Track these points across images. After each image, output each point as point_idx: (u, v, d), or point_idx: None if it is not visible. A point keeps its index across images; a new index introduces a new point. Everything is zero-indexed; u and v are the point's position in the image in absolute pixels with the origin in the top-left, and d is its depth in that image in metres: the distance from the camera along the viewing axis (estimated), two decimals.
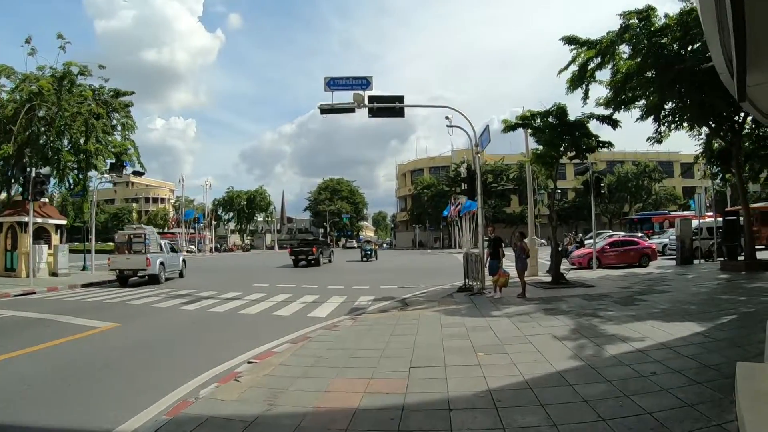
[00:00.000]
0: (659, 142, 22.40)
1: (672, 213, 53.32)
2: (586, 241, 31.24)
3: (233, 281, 24.25)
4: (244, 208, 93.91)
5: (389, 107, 18.57)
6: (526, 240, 20.06)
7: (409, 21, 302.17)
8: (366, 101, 17.86)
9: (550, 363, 7.26)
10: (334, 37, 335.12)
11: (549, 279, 18.32)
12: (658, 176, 78.49)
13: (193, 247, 73.15)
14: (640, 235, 39.83)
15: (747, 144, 22.52)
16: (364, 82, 18.16)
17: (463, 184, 19.69)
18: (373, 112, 18.40)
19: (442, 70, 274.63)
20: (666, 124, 21.98)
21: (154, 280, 22.67)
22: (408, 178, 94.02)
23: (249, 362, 7.89)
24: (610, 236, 33.68)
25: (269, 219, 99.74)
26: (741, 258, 22.16)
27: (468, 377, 6.75)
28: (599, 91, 23.59)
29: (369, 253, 43.28)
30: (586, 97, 20.59)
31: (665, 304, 12.48)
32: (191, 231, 76.57)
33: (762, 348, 6.96)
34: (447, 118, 19.94)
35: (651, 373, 6.56)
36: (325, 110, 18.29)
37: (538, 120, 18.30)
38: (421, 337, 9.37)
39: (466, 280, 17.41)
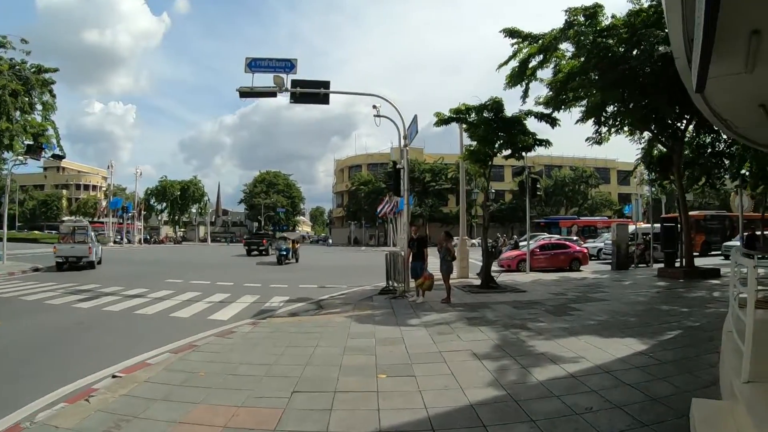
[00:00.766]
0: (599, 143, 21.97)
1: (582, 218, 53.99)
2: (521, 243, 30.40)
3: (147, 276, 22.55)
4: (177, 199, 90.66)
5: (313, 93, 17.63)
6: (456, 240, 18.87)
7: (359, 18, 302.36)
8: (288, 85, 16.83)
9: (463, 391, 5.95)
10: (283, 30, 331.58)
11: (480, 282, 17.13)
12: (595, 182, 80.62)
13: (120, 237, 68.98)
14: (575, 238, 39.76)
15: (687, 152, 22.39)
16: (288, 65, 17.14)
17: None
18: (296, 98, 17.49)
19: (389, 70, 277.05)
20: (607, 126, 21.66)
21: (91, 266, 25.59)
22: (346, 174, 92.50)
23: (114, 376, 6.85)
24: (544, 239, 32.97)
25: (203, 211, 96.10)
26: (678, 264, 22.13)
27: (357, 410, 5.42)
28: (540, 90, 22.97)
29: (285, 253, 32.49)
30: (525, 95, 20.23)
31: (602, 314, 11.43)
32: (119, 221, 72.33)
33: (714, 373, 6.29)
34: (375, 107, 18.73)
35: (586, 410, 5.31)
36: (244, 93, 16.95)
37: (473, 115, 17.24)
38: (321, 350, 8.17)
39: (389, 282, 16.12)
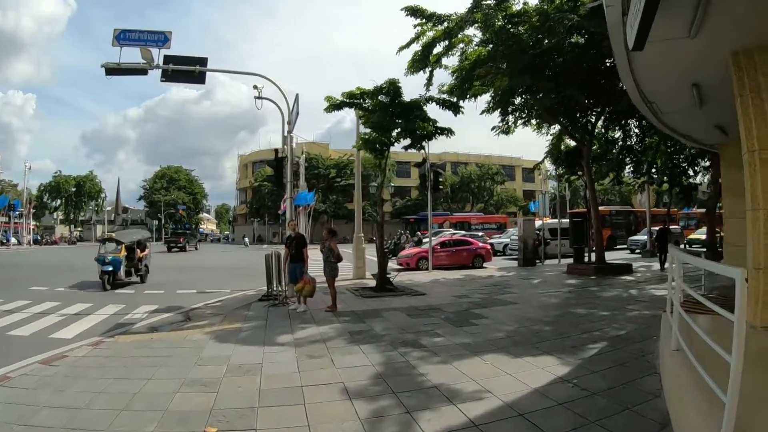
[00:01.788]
0: (506, 132, 21.52)
1: (456, 214, 53.74)
2: (424, 240, 28.84)
3: (10, 282, 18.91)
4: (72, 196, 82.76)
5: (188, 71, 15.61)
6: (349, 238, 16.86)
7: (269, 12, 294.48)
8: (161, 61, 15.04)
9: None
10: (193, 20, 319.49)
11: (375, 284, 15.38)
12: (501, 179, 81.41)
13: (6, 238, 61.83)
14: (480, 234, 39.10)
15: (596, 147, 22.12)
16: (161, 38, 15.24)
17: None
18: (168, 76, 15.51)
19: (297, 65, 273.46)
20: (514, 116, 21.22)
21: None
22: (250, 169, 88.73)
23: None
24: (452, 235, 31.72)
25: (99, 208, 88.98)
26: (588, 260, 21.63)
27: None
28: (445, 78, 21.77)
29: (112, 269, 17.40)
30: (429, 83, 18.98)
31: (511, 322, 9.83)
32: (5, 220, 64.99)
33: (661, 408, 5.04)
34: (256, 87, 16.82)
35: None
36: (111, 70, 14.96)
37: (369, 99, 15.55)
38: (152, 385, 6.25)
39: (269, 288, 13.86)
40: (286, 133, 16.03)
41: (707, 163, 27.65)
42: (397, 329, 9.23)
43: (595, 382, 5.86)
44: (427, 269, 22.10)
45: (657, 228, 23.62)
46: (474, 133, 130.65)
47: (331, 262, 11.83)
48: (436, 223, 47.57)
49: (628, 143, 22.40)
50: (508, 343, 7.91)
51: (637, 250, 33.11)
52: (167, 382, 6.24)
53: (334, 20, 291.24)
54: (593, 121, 20.29)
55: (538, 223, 27.25)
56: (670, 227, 22.02)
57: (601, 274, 18.31)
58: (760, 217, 6.79)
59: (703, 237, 38.39)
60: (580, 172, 24.41)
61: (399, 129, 15.79)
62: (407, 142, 16.47)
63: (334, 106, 15.52)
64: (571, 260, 22.57)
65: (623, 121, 20.90)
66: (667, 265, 18.83)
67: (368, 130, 16.39)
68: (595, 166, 22.85)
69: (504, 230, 46.27)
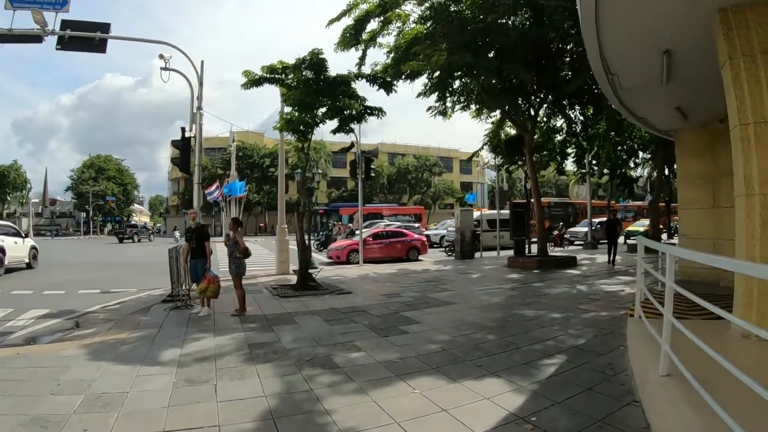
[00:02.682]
0: (443, 114, 20.03)
1: (368, 205, 52.40)
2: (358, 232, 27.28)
3: None
4: None
5: (86, 38, 14.02)
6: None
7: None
8: (57, 27, 13.52)
9: None
10: (129, 3, 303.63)
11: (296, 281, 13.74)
12: (439, 170, 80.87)
13: None
14: (417, 225, 37.90)
15: (537, 136, 21.05)
16: (59, 0, 13.60)
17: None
18: (64, 43, 13.90)
19: (240, 52, 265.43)
20: (453, 99, 19.92)
21: None
22: None
23: None
24: (386, 226, 30.26)
25: (24, 200, 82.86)
26: (529, 253, 20.57)
27: None
28: (380, 57, 20.41)
29: None
30: (362, 62, 17.68)
31: (447, 329, 8.29)
32: None
33: None
34: (162, 57, 14.60)
35: None
36: (1, 37, 13.46)
37: (292, 75, 13.79)
38: None
39: (174, 287, 11.83)
40: (194, 109, 14.09)
41: (648, 156, 27.40)
42: (310, 340, 7.57)
43: (561, 420, 4.40)
44: (358, 263, 20.59)
45: (602, 219, 22.85)
46: (412, 124, 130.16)
47: (237, 257, 10.03)
48: (345, 215, 46.39)
49: (574, 129, 21.45)
50: (444, 360, 6.37)
51: (577, 242, 32.82)
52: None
53: (284, 6, 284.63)
54: (537, 106, 19.37)
55: (476, 214, 26.09)
56: (617, 217, 20.79)
57: (544, 267, 17.24)
58: (755, 204, 5.53)
59: (642, 229, 38.88)
60: (520, 162, 23.51)
61: (325, 108, 14.15)
62: (335, 124, 14.87)
63: (253, 81, 13.66)
64: (510, 252, 21.55)
65: (568, 109, 19.92)
66: (619, 258, 17.77)
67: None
68: (535, 156, 21.86)
69: (419, 222, 44.98)
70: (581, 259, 19.63)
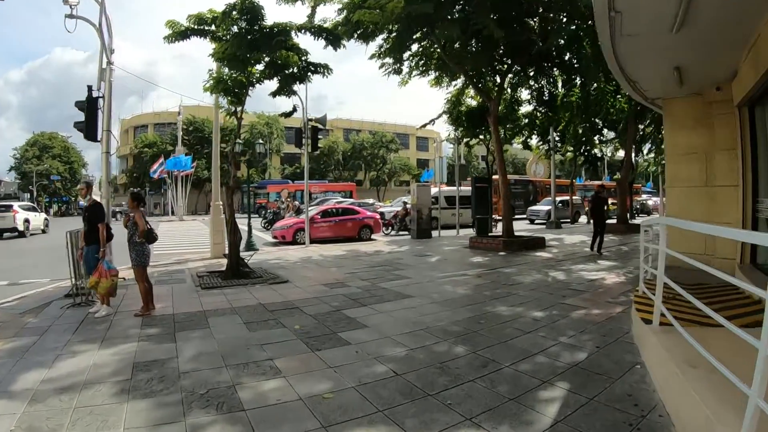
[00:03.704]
0: (398, 72, 17.75)
1: (295, 182, 50.28)
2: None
3: None
4: None
5: None
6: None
7: None
8: None
9: None
10: None
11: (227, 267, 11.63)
12: (395, 147, 79.64)
13: None
14: (371, 201, 36.13)
15: (501, 107, 19.22)
16: None
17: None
18: None
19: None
20: (410, 68, 18.06)
21: None
22: (131, 135, 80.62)
23: None
24: (338, 203, 28.18)
25: None
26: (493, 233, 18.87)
27: None
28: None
29: None
30: (312, 18, 16.05)
31: (402, 339, 6.31)
32: None
33: None
34: (66, 1, 11.50)
35: None
36: None
37: (222, 25, 11.41)
38: None
39: (74, 278, 9.35)
40: (104, 64, 11.63)
41: (612, 135, 26.12)
42: (216, 357, 5.51)
43: None
44: (305, 243, 18.53)
45: (564, 198, 21.01)
46: (369, 102, 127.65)
47: (137, 243, 7.77)
48: (273, 192, 45.57)
49: (545, 99, 19.67)
50: (397, 394, 4.39)
51: (537, 221, 31.70)
52: None
53: None
54: (503, 73, 17.59)
55: (433, 190, 24.16)
56: (603, 195, 15.77)
57: (511, 249, 15.51)
58: None
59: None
60: (481, 137, 21.72)
61: (262, 65, 11.99)
62: (274, 84, 12.57)
63: (178, 34, 11.20)
64: (470, 231, 20.02)
65: (538, 77, 18.17)
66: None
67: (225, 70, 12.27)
68: (500, 127, 19.86)
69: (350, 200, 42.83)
70: (549, 240, 17.90)
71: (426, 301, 8.32)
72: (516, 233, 17.20)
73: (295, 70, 12.22)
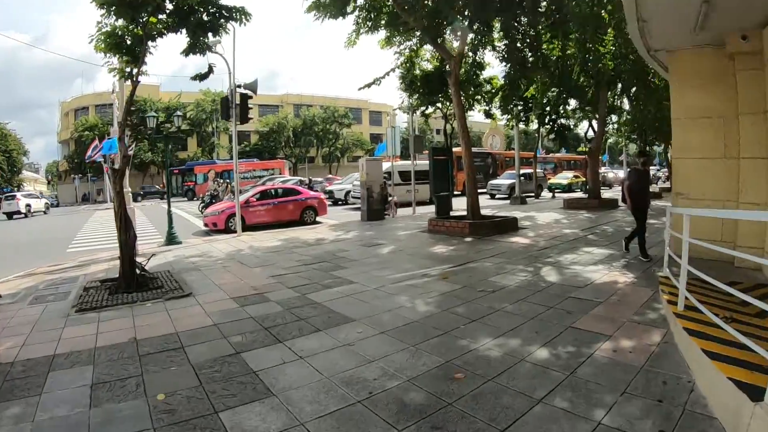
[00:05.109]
0: (335, 17, 14.36)
1: (221, 162, 47.12)
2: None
3: None
4: None
5: None
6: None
7: None
8: None
9: None
10: None
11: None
12: (348, 122, 76.33)
13: None
14: (321, 180, 33.55)
15: (462, 72, 16.65)
16: None
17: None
18: None
19: None
20: (357, 24, 15.30)
21: None
22: (71, 118, 74.89)
23: None
24: (282, 182, 25.33)
25: None
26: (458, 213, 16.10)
27: None
28: None
29: None
30: None
31: (330, 425, 3.63)
32: None
33: None
34: None
35: None
36: None
37: None
38: None
39: None
40: None
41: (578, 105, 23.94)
42: None
43: None
44: (243, 231, 15.76)
45: (527, 171, 18.30)
46: (321, 76, 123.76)
47: None
48: (200, 173, 43.95)
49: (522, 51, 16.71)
50: None
51: (499, 195, 29.71)
52: None
53: None
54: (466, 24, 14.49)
55: (386, 165, 21.47)
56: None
57: (479, 233, 12.93)
58: None
59: (565, 182, 36.16)
60: (439, 104, 19.14)
61: (164, 15, 9.09)
62: (182, 39, 9.64)
63: None
64: (428, 209, 17.82)
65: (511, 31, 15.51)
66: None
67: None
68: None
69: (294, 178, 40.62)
70: (520, 218, 15.36)
71: (371, 330, 5.64)
72: (482, 212, 14.71)
73: (205, 17, 9.37)
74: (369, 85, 18.48)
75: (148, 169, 57.46)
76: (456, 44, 15.15)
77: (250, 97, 16.33)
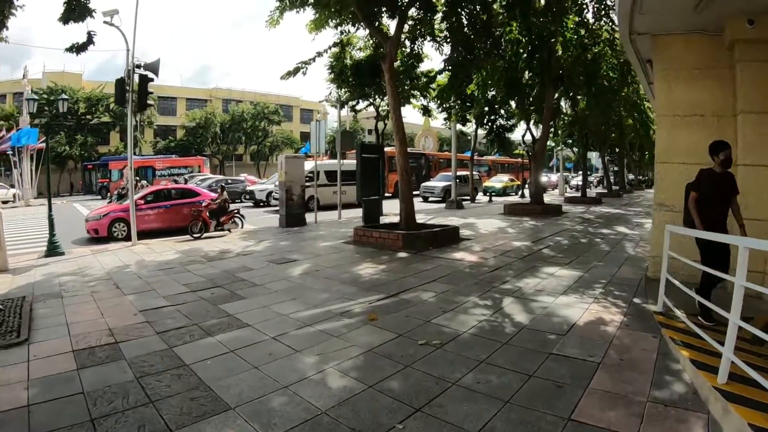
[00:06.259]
0: None
1: (140, 157, 44.30)
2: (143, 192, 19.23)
3: None
4: None
5: None
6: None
7: None
8: None
9: None
10: None
11: None
12: (278, 119, 74.14)
13: None
14: (242, 177, 31.14)
15: (398, 64, 15.52)
16: None
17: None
18: None
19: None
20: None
21: None
22: None
23: None
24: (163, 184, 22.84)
25: None
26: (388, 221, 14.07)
27: None
28: None
29: None
30: None
31: None
32: None
33: None
34: None
35: None
36: None
37: None
38: None
39: None
40: None
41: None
42: None
43: None
44: (127, 239, 13.29)
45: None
46: (254, 72, 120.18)
47: None
48: (114, 169, 40.78)
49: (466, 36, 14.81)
50: None
51: (432, 198, 28.55)
52: None
53: None
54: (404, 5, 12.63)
55: (309, 164, 19.55)
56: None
57: (415, 247, 10.85)
58: None
59: (500, 185, 35.15)
60: (371, 99, 17.24)
61: None
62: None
63: None
64: (354, 212, 16.89)
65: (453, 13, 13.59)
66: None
67: None
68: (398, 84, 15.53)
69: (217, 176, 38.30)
70: (460, 226, 13.43)
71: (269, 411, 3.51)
72: (422, 222, 12.71)
73: None
74: (293, 73, 16.29)
75: (66, 163, 52.65)
76: (393, 26, 13.13)
77: (151, 80, 13.73)
